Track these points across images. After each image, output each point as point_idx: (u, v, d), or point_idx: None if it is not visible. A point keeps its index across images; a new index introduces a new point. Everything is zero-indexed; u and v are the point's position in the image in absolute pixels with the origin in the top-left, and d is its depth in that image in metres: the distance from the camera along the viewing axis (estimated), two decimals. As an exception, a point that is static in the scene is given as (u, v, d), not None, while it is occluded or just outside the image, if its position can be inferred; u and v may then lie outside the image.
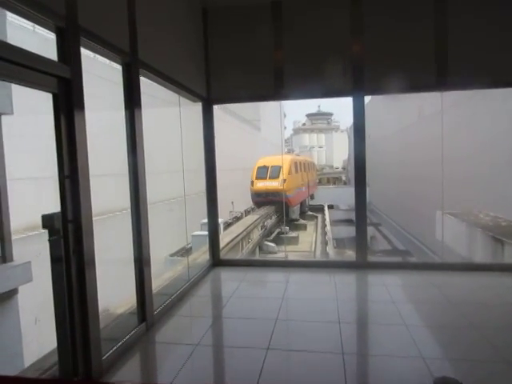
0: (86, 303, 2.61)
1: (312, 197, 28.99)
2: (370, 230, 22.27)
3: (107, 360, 2.84)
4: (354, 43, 5.01)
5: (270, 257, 14.84)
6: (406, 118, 17.92)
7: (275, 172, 21.17)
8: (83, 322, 2.61)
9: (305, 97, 5.36)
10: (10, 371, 4.89)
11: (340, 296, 4.22)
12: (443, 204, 9.59)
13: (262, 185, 21.03)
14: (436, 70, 4.89)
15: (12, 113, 6.05)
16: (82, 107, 2.62)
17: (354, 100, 5.10)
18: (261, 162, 22.15)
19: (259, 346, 3.12)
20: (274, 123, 42.02)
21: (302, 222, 22.42)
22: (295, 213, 22.35)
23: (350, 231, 24.05)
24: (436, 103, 13.76)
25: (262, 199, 21.01)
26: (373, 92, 5.20)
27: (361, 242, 5.32)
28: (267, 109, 36.55)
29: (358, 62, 5.02)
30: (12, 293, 5.36)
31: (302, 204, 26.53)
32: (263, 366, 2.83)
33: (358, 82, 5.05)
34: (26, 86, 2.33)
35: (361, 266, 5.23)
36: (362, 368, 2.89)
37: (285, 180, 20.67)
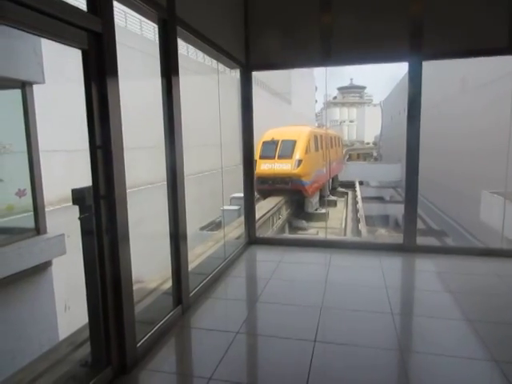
0: (119, 285, 2.38)
1: (335, 181, 24.14)
2: (403, 208, 21.56)
3: (142, 347, 2.63)
4: (411, 1, 4.42)
5: (308, 235, 13.40)
6: (448, 89, 16.81)
7: (287, 149, 15.47)
8: (117, 306, 2.39)
9: (355, 62, 4.85)
10: (46, 343, 4.87)
11: (389, 283, 3.86)
12: (507, 182, 8.84)
13: (267, 167, 15.15)
14: (508, 31, 4.26)
15: (44, 82, 5.86)
16: (114, 66, 2.29)
17: (409, 66, 4.55)
18: (268, 135, 16.04)
19: (305, 338, 2.83)
20: (306, 96, 40.88)
21: (332, 198, 21.72)
22: (313, 204, 17.05)
23: (380, 209, 23.44)
24: (482, 73, 12.72)
25: (267, 187, 15.13)
26: (432, 57, 4.61)
27: (410, 223, 4.88)
28: (298, 81, 35.49)
29: (415, 23, 4.44)
30: (46, 265, 5.32)
31: (334, 179, 23.02)
32: (312, 361, 2.54)
33: (416, 45, 4.49)
34: (53, 40, 2.02)
35: (409, 249, 4.82)
36: (424, 369, 2.54)
37: (300, 161, 15.16)
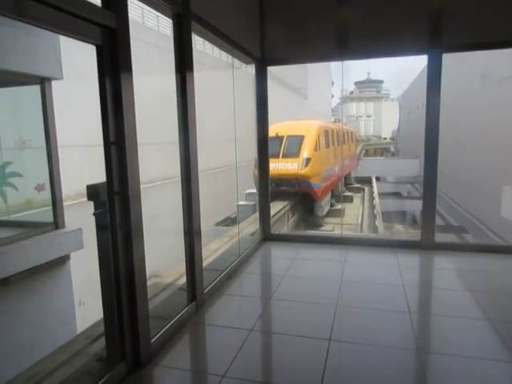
0: (133, 281, 2.38)
1: (348, 178, 22.19)
2: (420, 204, 21.18)
3: (156, 342, 2.63)
4: (432, -9, 4.28)
5: (323, 232, 12.86)
6: (468, 83, 16.38)
7: (293, 146, 13.60)
8: (131, 301, 2.40)
9: (372, 56, 4.73)
10: (64, 335, 4.95)
11: (407, 281, 3.78)
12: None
13: (270, 167, 12.19)
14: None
15: (62, 77, 5.92)
16: (128, 61, 2.28)
17: (429, 59, 4.42)
18: (272, 130, 13.63)
19: (320, 336, 2.79)
20: (322, 91, 40.49)
21: (348, 193, 21.43)
22: (323, 208, 15.21)
23: (397, 205, 23.10)
24: (503, 67, 12.34)
25: (271, 190, 13.23)
26: (452, 49, 4.47)
27: (428, 220, 4.77)
28: (315, 76, 35.16)
29: (435, 14, 4.31)
30: (64, 259, 5.40)
31: (346, 177, 21.23)
32: (327, 360, 2.50)
33: (435, 37, 4.36)
34: (68, 36, 2.01)
35: (427, 246, 4.71)
36: (443, 369, 2.47)
37: (309, 160, 13.24)
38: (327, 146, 15.68)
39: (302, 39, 4.82)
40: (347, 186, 21.07)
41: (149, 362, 2.51)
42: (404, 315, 3.10)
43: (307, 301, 3.42)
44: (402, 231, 16.04)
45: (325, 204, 15.29)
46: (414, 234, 12.72)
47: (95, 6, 2.12)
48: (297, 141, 13.66)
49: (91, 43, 2.15)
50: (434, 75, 4.43)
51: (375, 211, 17.89)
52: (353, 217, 18.15)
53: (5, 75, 4.94)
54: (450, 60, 4.40)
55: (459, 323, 3.00)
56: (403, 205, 23.45)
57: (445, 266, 4.30)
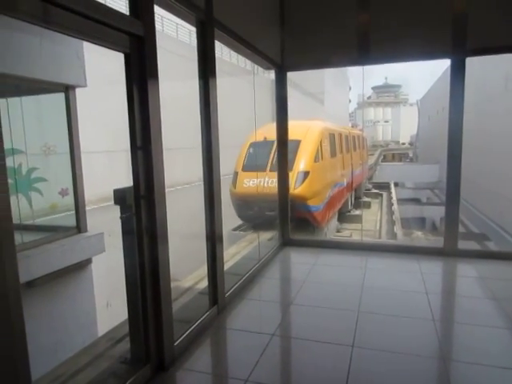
0: (158, 284, 2.41)
1: (358, 190, 18.65)
2: (441, 211, 20.79)
3: (179, 345, 2.65)
4: (454, -5, 4.24)
5: (343, 238, 11.73)
6: (490, 87, 16.05)
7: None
8: (155, 304, 2.43)
9: (394, 60, 4.70)
10: (86, 338, 5.03)
11: (430, 288, 3.71)
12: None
13: (253, 184, 9.84)
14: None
15: (86, 85, 6.07)
16: (155, 69, 2.33)
17: (452, 62, 4.37)
18: (259, 134, 10.21)
19: (343, 342, 2.76)
20: (339, 96, 40.31)
21: (365, 199, 21.18)
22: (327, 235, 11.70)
23: (416, 211, 22.72)
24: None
25: (252, 214, 10.01)
26: (476, 52, 4.41)
27: (451, 226, 4.68)
28: (332, 81, 35.06)
29: (459, 17, 4.26)
30: (86, 262, 5.50)
31: (357, 189, 17.73)
32: (350, 367, 2.47)
33: (459, 40, 4.30)
34: (97, 44, 2.07)
35: (450, 253, 4.62)
36: (468, 379, 2.41)
37: (306, 174, 9.96)
38: (333, 154, 12.30)
39: (322, 44, 4.83)
40: (357, 198, 17.78)
41: (172, 364, 2.52)
42: (428, 323, 3.04)
43: (328, 307, 3.39)
44: (421, 238, 15.76)
45: (330, 230, 12.11)
46: (435, 241, 12.44)
47: (124, 14, 2.18)
48: (291, 148, 9.45)
49: (120, 51, 2.21)
50: (456, 79, 4.37)
51: (394, 217, 17.63)
52: (371, 223, 17.94)
53: (31, 83, 5.09)
54: (472, 63, 4.32)
55: (484, 332, 2.93)
56: (422, 211, 23.03)
57: (468, 273, 4.21)
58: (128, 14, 2.25)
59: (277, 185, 5.30)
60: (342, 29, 4.71)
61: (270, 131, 9.57)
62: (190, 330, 2.82)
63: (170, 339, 2.52)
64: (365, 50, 4.60)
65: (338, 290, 3.80)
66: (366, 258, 4.69)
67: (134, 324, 2.48)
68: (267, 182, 9.32)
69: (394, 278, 4.08)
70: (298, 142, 10.32)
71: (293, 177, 9.60)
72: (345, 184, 13.92)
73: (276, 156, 8.99)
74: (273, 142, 9.28)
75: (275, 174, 8.12)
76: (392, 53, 4.57)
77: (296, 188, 9.67)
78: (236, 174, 10.06)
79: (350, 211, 15.65)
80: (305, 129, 11.00)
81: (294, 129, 9.41)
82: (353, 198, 16.76)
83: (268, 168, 9.65)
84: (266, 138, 9.89)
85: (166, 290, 2.46)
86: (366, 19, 4.57)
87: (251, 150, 10.48)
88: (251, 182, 9.85)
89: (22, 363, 1.49)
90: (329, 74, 32.48)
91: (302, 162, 10.13)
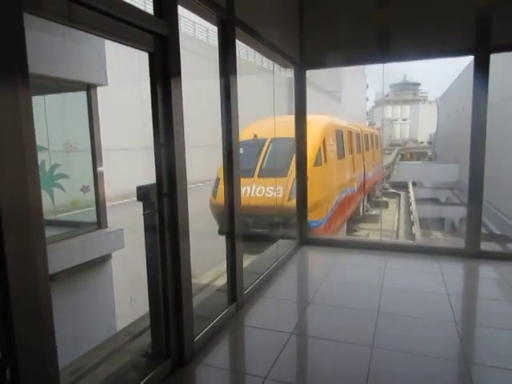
0: (179, 280, 2.45)
1: (372, 194, 17.11)
2: (460, 211, 20.39)
3: (199, 341, 2.68)
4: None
5: (361, 237, 11.32)
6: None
7: (280, 157, 8.29)
8: (176, 300, 2.46)
9: (415, 57, 4.63)
10: (104, 332, 5.12)
11: (452, 290, 3.65)
12: None
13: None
14: None
15: (106, 84, 6.17)
16: (178, 68, 2.36)
17: (475, 59, 4.27)
18: (248, 131, 8.70)
19: (362, 343, 2.75)
20: (356, 94, 39.91)
21: (383, 199, 20.88)
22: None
23: (434, 211, 22.32)
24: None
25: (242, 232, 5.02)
26: (501, 49, 4.29)
27: (473, 226, 4.59)
28: (349, 79, 34.74)
29: (483, 11, 4.16)
30: (106, 258, 5.60)
31: (370, 193, 16.16)
32: (370, 367, 2.46)
33: (483, 37, 4.20)
34: (122, 44, 2.11)
35: (471, 254, 4.53)
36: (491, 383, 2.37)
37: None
38: (341, 154, 10.35)
39: (342, 42, 4.79)
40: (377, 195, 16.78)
41: (192, 360, 2.55)
42: (450, 325, 3.00)
43: (347, 306, 3.38)
44: (440, 238, 15.49)
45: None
46: (455, 242, 12.19)
47: (149, 14, 2.21)
48: (286, 148, 7.61)
49: (144, 50, 2.24)
50: (480, 76, 4.27)
51: (412, 217, 17.38)
52: (388, 223, 17.71)
53: (55, 82, 5.20)
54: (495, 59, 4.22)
55: (507, 335, 2.87)
56: (441, 211, 22.62)
57: (491, 275, 4.12)
58: (152, 13, 2.28)
59: (296, 182, 5.28)
60: (362, 26, 4.67)
61: (262, 127, 8.30)
62: (209, 326, 2.85)
63: (190, 335, 2.55)
64: (385, 48, 4.54)
65: (357, 289, 3.77)
66: (385, 258, 4.65)
67: (155, 319, 2.52)
68: (254, 190, 7.70)
69: (414, 279, 4.02)
70: (294, 141, 8.38)
71: (286, 185, 7.73)
72: (355, 189, 11.67)
73: (267, 158, 7.82)
74: (264, 140, 8.26)
75: (266, 181, 7.61)
76: (413, 50, 4.50)
77: (290, 199, 7.45)
78: (217, 180, 8.06)
79: (360, 219, 13.93)
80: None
81: (292, 124, 7.54)
82: (365, 204, 14.98)
83: (256, 173, 7.94)
84: (256, 136, 8.40)
85: (186, 286, 2.49)
86: (386, 16, 4.51)
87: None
88: None
89: (51, 353, 1.53)
90: (346, 72, 32.18)
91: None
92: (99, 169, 5.90)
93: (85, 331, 5.12)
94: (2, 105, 1.35)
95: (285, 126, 7.25)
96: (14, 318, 1.35)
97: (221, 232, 7.37)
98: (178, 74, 2.38)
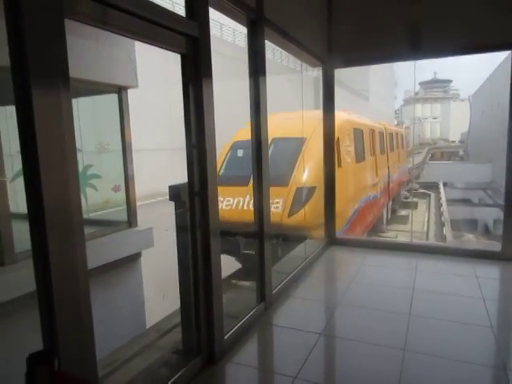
0: (210, 278, 2.48)
1: (396, 199, 15.30)
2: (494, 212, 19.65)
3: (228, 340, 2.71)
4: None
5: (391, 238, 10.52)
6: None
7: (281, 162, 6.72)
8: (207, 298, 2.49)
9: (448, 54, 4.50)
10: (134, 329, 5.24)
11: (487, 294, 3.52)
12: None
13: (226, 207, 6.42)
14: None
15: (137, 86, 6.32)
16: (209, 69, 2.39)
17: (514, 55, 4.11)
18: (243, 131, 6.95)
19: (394, 346, 2.70)
20: (384, 92, 39.17)
21: (412, 199, 20.35)
22: None
23: (466, 212, 21.59)
24: None
25: (226, 250, 6.02)
26: (541, 43, 4.11)
27: (509, 228, 4.41)
28: (377, 77, 34.13)
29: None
30: (136, 256, 5.73)
31: (396, 197, 14.71)
32: (402, 371, 2.41)
33: (522, 31, 4.03)
34: (156, 46, 2.15)
35: (509, 258, 4.35)
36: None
37: (311, 191, 6.37)
38: (360, 157, 8.76)
39: (372, 39, 4.70)
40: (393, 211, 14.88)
41: (221, 358, 2.58)
42: (486, 330, 2.90)
43: (378, 308, 3.32)
44: (473, 241, 14.97)
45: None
46: (489, 244, 11.73)
47: (181, 16, 2.25)
48: (289, 150, 6.63)
49: (176, 52, 2.28)
50: (520, 73, 4.10)
51: (443, 218, 16.88)
52: (418, 224, 17.27)
53: (88, 85, 5.37)
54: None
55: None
56: (474, 212, 21.86)
57: (530, 279, 3.95)
58: (184, 15, 2.32)
59: (323, 180, 5.21)
60: (392, 22, 4.56)
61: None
62: (238, 324, 2.87)
63: (220, 333, 2.57)
64: (417, 44, 4.43)
65: (388, 291, 3.70)
66: (416, 260, 4.53)
67: (185, 316, 2.56)
68: (248, 203, 6.14)
69: (447, 282, 3.91)
70: (301, 141, 6.58)
71: (287, 197, 6.26)
72: (378, 195, 10.23)
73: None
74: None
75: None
76: (446, 45, 4.36)
77: (291, 215, 6.17)
78: None
79: (384, 230, 12.56)
80: (315, 121, 6.56)
81: (299, 123, 6.72)
82: (389, 212, 13.44)
83: (252, 180, 6.16)
84: None
85: (217, 285, 2.52)
86: (417, 11, 4.40)
87: (232, 154, 7.04)
88: (225, 203, 6.42)
89: (89, 346, 1.59)
90: (374, 70, 31.64)
91: (304, 173, 6.46)
92: (130, 169, 6.05)
93: (115, 327, 5.26)
94: (46, 107, 1.40)
95: (291, 124, 6.65)
96: (56, 313, 1.41)
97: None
98: (210, 75, 2.41)
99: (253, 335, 2.93)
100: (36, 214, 1.39)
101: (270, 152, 5.52)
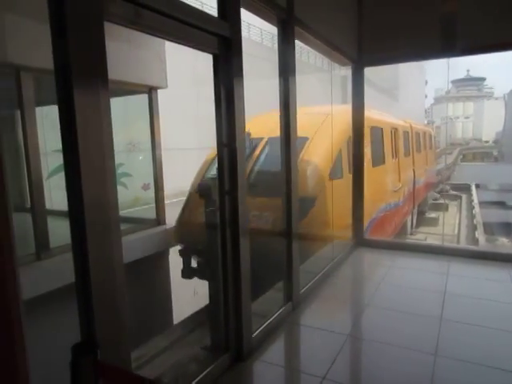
0: (239, 276, 2.50)
1: (421, 206, 14.23)
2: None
3: (256, 338, 2.72)
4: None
5: (421, 241, 10.23)
6: None
7: (276, 169, 3.50)
8: (236, 296, 2.52)
9: (485, 50, 4.34)
10: (162, 325, 5.33)
11: (524, 300, 3.39)
12: None
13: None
14: None
15: (166, 86, 6.44)
16: (240, 69, 2.41)
17: (555, 51, 3.93)
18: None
19: (425, 350, 2.63)
20: (414, 91, 38.22)
21: (442, 201, 19.77)
22: None
23: (501, 215, 20.78)
24: None
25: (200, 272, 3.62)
26: None
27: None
28: (407, 76, 33.36)
29: None
30: (164, 253, 5.84)
31: (422, 203, 13.72)
32: (433, 377, 2.35)
33: None
34: (189, 46, 2.19)
35: (547, 263, 4.17)
36: None
37: (310, 204, 5.02)
38: (378, 160, 7.65)
39: (403, 36, 4.59)
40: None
41: (249, 356, 2.59)
42: (523, 337, 2.79)
43: (407, 311, 3.25)
44: (508, 245, 14.40)
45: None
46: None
47: (214, 17, 2.28)
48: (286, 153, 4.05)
49: (209, 52, 2.31)
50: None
51: (475, 221, 16.33)
52: (448, 227, 16.78)
53: (120, 85, 5.51)
54: None
55: None
56: (508, 215, 21.03)
57: None
58: (217, 16, 2.35)
59: (351, 181, 5.15)
60: (425, 18, 4.44)
61: (261, 122, 6.09)
62: (266, 323, 2.88)
63: (248, 330, 2.59)
64: (451, 41, 4.30)
65: (418, 294, 3.62)
66: (448, 264, 4.41)
67: (214, 313, 2.59)
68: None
69: (481, 287, 3.78)
70: (302, 142, 5.32)
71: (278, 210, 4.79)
72: (401, 202, 9.14)
73: (258, 167, 5.35)
74: (259, 141, 5.78)
75: (255, 203, 4.84)
76: (485, 42, 4.22)
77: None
78: (188, 197, 5.74)
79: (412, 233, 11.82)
80: (321, 117, 5.88)
81: (303, 120, 4.47)
82: (414, 219, 12.53)
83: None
84: (249, 135, 5.60)
85: (246, 283, 2.54)
86: (452, 5, 4.27)
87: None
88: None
89: (124, 338, 1.64)
90: (403, 68, 30.93)
91: (303, 180, 5.01)
92: (159, 167, 6.17)
93: (144, 322, 5.38)
94: (86, 108, 1.46)
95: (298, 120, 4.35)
96: (94, 306, 1.46)
97: (184, 275, 3.98)
98: (241, 75, 2.43)
99: (280, 334, 2.94)
100: (76, 211, 1.45)
101: (264, 154, 5.24)
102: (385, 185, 8.20)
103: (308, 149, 5.47)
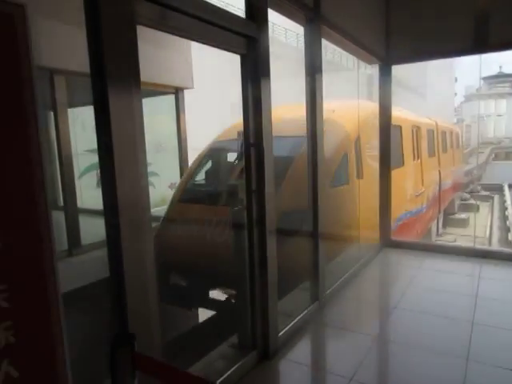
0: (266, 275, 2.51)
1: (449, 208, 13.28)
2: None
3: (282, 337, 2.73)
4: None
5: (451, 243, 9.47)
6: None
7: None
8: (263, 295, 2.53)
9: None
10: (187, 321, 5.39)
11: (562, 305, 3.25)
12: None
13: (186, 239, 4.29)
14: None
15: (193, 87, 6.53)
16: (267, 69, 2.42)
17: None
18: (228, 130, 5.07)
19: (455, 354, 2.57)
20: (443, 89, 37.13)
21: (472, 202, 19.12)
22: None
23: (533, 217, 19.88)
24: None
25: (184, 291, 4.42)
26: None
27: None
28: (435, 73, 32.47)
29: None
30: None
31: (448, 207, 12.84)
32: (465, 382, 2.29)
33: None
34: (218, 47, 2.22)
35: None
36: None
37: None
38: (395, 162, 6.15)
39: (432, 33, 4.47)
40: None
41: (275, 354, 2.60)
42: (561, 343, 2.67)
43: (437, 314, 3.17)
44: (542, 248, 13.80)
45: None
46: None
47: (241, 18, 2.30)
48: (281, 157, 4.17)
49: (236, 53, 2.34)
50: None
51: (508, 223, 15.74)
52: (479, 228, 16.21)
53: (150, 86, 5.62)
54: None
55: None
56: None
57: None
58: (244, 17, 2.37)
59: (379, 182, 5.05)
60: (455, 14, 4.31)
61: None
62: (292, 322, 2.88)
63: (274, 329, 2.60)
64: (482, 36, 4.16)
65: (448, 297, 3.53)
66: (479, 266, 4.27)
67: (242, 312, 2.61)
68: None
69: (515, 290, 3.65)
70: (299, 142, 4.52)
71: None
72: (424, 208, 8.40)
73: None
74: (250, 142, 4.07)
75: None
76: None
77: None
78: (171, 205, 5.03)
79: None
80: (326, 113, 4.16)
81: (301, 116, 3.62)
82: (440, 222, 11.77)
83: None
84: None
85: (272, 282, 2.55)
86: (484, 1, 4.14)
87: (207, 160, 5.27)
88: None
89: (155, 331, 1.68)
90: (432, 66, 30.09)
91: (298, 188, 4.05)
92: (185, 167, 6.26)
93: (170, 319, 5.47)
94: (120, 109, 1.50)
95: (292, 120, 4.46)
96: (127, 300, 1.51)
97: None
98: (268, 75, 2.44)
99: (306, 334, 2.93)
100: (111, 209, 1.50)
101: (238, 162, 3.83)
102: (402, 190, 7.15)
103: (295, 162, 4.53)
